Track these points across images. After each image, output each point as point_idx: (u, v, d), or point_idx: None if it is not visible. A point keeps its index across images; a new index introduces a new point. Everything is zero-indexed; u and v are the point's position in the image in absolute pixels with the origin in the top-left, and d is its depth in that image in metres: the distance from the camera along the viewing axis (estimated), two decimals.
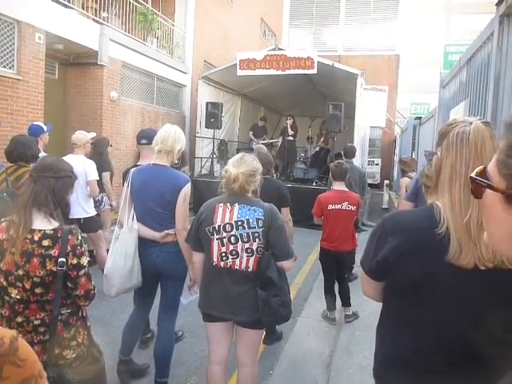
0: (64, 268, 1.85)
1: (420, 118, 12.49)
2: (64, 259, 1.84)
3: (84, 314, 2.06)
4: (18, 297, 1.85)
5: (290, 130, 11.62)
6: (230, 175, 2.33)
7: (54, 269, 1.84)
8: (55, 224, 1.89)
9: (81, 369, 1.93)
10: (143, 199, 2.88)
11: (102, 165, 5.71)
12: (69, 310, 1.95)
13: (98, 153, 5.83)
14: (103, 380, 2.09)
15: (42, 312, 1.89)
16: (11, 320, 1.88)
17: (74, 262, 1.88)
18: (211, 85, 12.23)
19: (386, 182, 13.98)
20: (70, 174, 2.07)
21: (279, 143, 12.17)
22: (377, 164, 19.60)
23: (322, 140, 12.11)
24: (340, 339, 4.10)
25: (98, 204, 5.70)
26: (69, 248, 1.86)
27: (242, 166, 2.37)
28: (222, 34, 14.62)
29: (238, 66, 10.79)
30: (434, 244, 1.24)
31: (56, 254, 1.84)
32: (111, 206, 5.93)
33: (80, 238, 1.93)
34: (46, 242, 1.84)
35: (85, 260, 1.93)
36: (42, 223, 1.88)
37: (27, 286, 1.84)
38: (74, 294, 1.93)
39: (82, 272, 1.91)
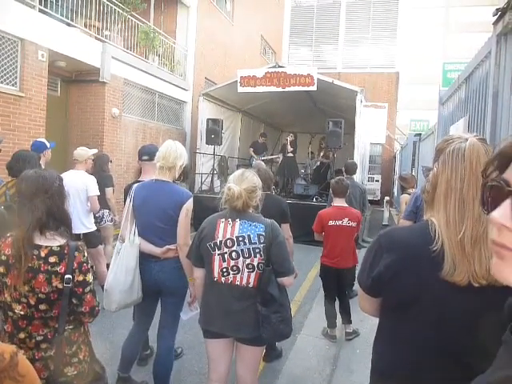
0: (70, 285, 1.84)
1: (420, 134, 12.55)
2: (70, 276, 1.84)
3: (86, 330, 2.05)
4: (22, 312, 1.84)
5: (289, 146, 11.70)
6: (233, 193, 2.35)
7: (60, 286, 1.84)
8: (62, 241, 1.89)
9: None
10: (145, 214, 2.90)
11: (105, 180, 5.74)
12: (71, 326, 1.93)
13: (101, 169, 5.87)
14: None
15: (45, 328, 1.88)
16: (13, 336, 1.87)
17: (80, 278, 1.88)
18: (212, 101, 12.35)
19: (387, 198, 13.99)
20: (58, 182, 2.00)
21: (280, 159, 12.23)
22: (377, 180, 19.62)
23: (322, 155, 12.16)
24: (341, 357, 4.07)
25: (98, 220, 5.71)
26: (75, 265, 1.86)
27: (244, 182, 2.39)
28: (223, 52, 14.82)
29: (238, 83, 10.91)
30: (429, 261, 1.25)
31: (62, 270, 1.84)
32: (114, 221, 5.95)
33: (86, 254, 1.93)
34: (52, 259, 1.84)
35: (90, 277, 1.93)
36: (48, 240, 1.88)
37: (32, 302, 1.83)
38: (78, 311, 1.92)
39: (88, 289, 1.91)
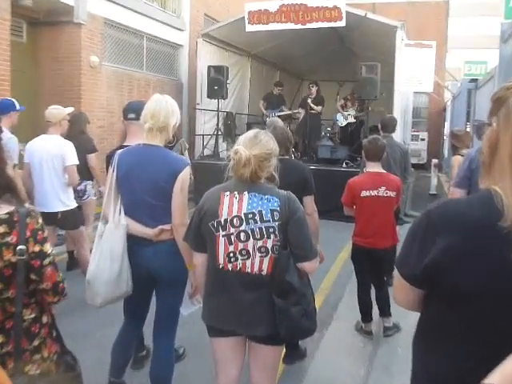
0: (25, 257, 1.86)
1: (476, 80, 12.30)
2: (24, 246, 1.85)
3: (50, 321, 2.07)
4: None
5: (312, 99, 11.49)
6: (240, 157, 2.32)
7: (13, 259, 1.85)
8: (9, 208, 1.90)
9: (52, 379, 1.96)
10: (132, 188, 2.90)
11: (85, 145, 5.75)
12: (32, 316, 1.96)
13: (79, 131, 5.87)
14: None
15: (2, 314, 1.89)
16: None
17: (36, 249, 1.90)
18: (214, 44, 12.23)
19: (435, 161, 13.88)
20: None
21: (300, 115, 12.06)
22: (422, 139, 19.43)
23: (356, 108, 11.92)
24: (378, 357, 4.11)
25: (80, 194, 5.76)
26: (28, 233, 1.88)
27: (256, 146, 2.37)
28: None
29: (246, 20, 10.76)
30: (499, 240, 1.22)
31: (14, 240, 1.85)
32: (100, 193, 5.99)
33: (40, 221, 1.95)
34: (1, 229, 1.85)
35: (49, 247, 1.95)
36: None
37: None
38: (39, 289, 1.95)
39: (47, 261, 1.93)
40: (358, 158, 9.33)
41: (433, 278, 1.33)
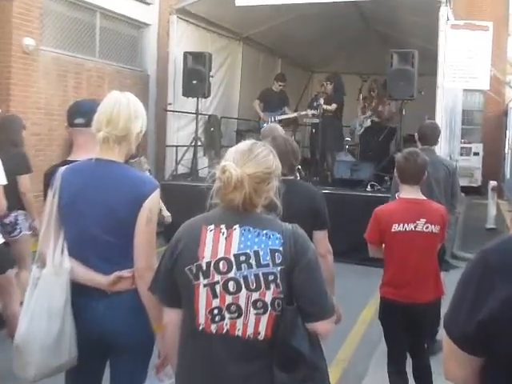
0: None
1: None
2: None
3: None
4: None
5: (325, 99, 11.54)
6: (229, 178, 2.31)
7: None
8: None
9: None
10: (80, 219, 2.91)
11: (16, 162, 5.72)
12: None
13: (9, 141, 5.86)
14: None
15: None
16: None
17: None
18: (192, 23, 12.35)
19: (493, 183, 13.92)
20: None
21: (312, 119, 12.02)
22: (476, 153, 19.52)
23: (372, 107, 11.96)
24: None
25: (9, 229, 5.71)
26: None
27: (251, 163, 2.37)
28: None
29: None
30: None
31: None
32: (33, 229, 5.97)
33: None
34: None
35: None
36: None
37: None
38: None
39: None
40: (388, 179, 9.39)
41: (490, 337, 1.35)
